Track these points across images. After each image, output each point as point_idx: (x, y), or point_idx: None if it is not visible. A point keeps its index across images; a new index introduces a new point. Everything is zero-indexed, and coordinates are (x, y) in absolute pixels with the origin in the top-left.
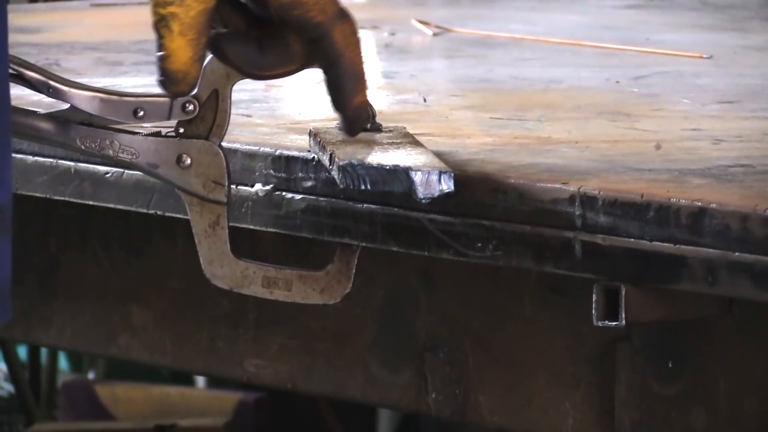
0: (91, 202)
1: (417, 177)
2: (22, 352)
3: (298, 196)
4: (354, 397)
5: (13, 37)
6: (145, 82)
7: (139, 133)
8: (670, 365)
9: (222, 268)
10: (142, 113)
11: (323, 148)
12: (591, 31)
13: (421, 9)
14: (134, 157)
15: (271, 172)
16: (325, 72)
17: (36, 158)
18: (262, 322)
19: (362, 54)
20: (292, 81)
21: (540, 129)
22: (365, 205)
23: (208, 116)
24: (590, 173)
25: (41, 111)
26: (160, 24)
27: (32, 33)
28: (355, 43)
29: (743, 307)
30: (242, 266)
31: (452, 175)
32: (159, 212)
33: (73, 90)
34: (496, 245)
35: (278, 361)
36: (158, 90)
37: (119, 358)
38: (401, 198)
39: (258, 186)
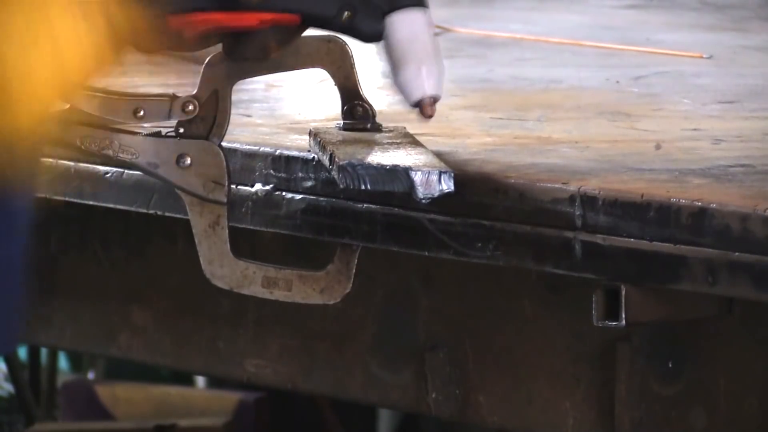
0: (91, 202)
1: (417, 177)
2: (22, 352)
3: (298, 196)
4: (354, 397)
5: None
6: (145, 82)
7: (139, 133)
8: (670, 365)
9: (222, 268)
10: (142, 113)
11: (323, 148)
12: (591, 31)
13: None
14: (134, 157)
15: (271, 172)
16: None
17: None
18: (262, 322)
19: None
20: (292, 81)
21: (540, 129)
22: (365, 205)
23: (208, 116)
24: (590, 173)
25: None
26: None
27: None
28: None
29: (743, 307)
30: (242, 266)
31: (452, 175)
32: (159, 212)
33: None
34: (496, 245)
35: (278, 361)
36: (158, 90)
37: (119, 358)
38: (401, 198)
39: (258, 186)
